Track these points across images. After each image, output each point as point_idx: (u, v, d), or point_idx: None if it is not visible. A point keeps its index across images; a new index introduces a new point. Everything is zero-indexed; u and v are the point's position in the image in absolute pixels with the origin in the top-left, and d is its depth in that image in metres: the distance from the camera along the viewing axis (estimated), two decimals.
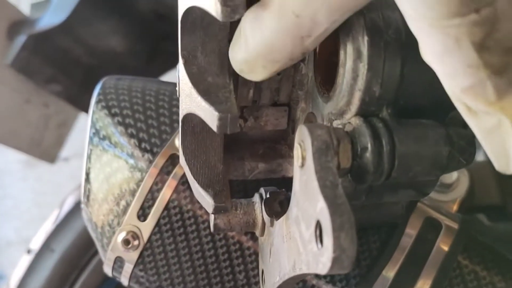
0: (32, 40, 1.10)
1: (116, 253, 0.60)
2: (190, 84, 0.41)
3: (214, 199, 0.44)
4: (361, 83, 0.35)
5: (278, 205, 0.48)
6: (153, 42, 1.16)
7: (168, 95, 0.64)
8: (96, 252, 0.93)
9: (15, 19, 1.13)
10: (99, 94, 0.65)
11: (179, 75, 0.44)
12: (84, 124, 0.69)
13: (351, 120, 0.38)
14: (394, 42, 0.35)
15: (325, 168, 0.34)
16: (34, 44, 1.10)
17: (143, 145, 0.61)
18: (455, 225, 0.54)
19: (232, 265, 0.57)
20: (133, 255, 0.59)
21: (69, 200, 0.99)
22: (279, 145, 0.53)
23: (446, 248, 0.53)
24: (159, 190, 0.59)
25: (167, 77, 1.09)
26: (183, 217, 0.58)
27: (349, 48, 0.35)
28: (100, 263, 0.87)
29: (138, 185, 0.60)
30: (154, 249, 0.59)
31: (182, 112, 0.44)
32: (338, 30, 0.37)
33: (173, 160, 0.59)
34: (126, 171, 0.60)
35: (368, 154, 0.35)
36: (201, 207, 0.58)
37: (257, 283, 0.56)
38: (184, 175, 0.59)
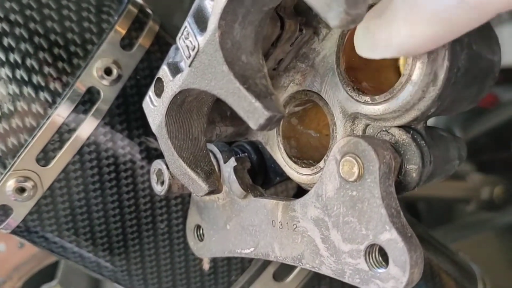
0: None
1: (1, 201, 0.47)
2: (223, 63, 0.33)
3: (207, 183, 0.38)
4: (424, 105, 0.34)
5: (248, 175, 0.45)
6: None
7: (74, 1, 0.48)
8: None
9: None
10: None
11: (190, 42, 0.34)
12: None
13: (392, 130, 0.37)
14: (464, 70, 0.34)
15: (389, 194, 0.34)
16: None
17: (45, 69, 0.46)
18: None
19: (154, 214, 0.52)
20: (26, 205, 0.48)
21: None
22: None
23: None
24: (70, 131, 0.47)
25: None
26: (100, 164, 0.49)
27: (427, 68, 0.33)
28: None
29: (38, 122, 0.46)
30: (55, 198, 0.49)
31: (185, 85, 0.35)
32: None
33: (91, 95, 0.47)
34: (20, 102, 0.46)
35: (414, 175, 0.36)
36: (125, 154, 0.49)
37: (179, 231, 0.53)
38: (107, 114, 0.48)
